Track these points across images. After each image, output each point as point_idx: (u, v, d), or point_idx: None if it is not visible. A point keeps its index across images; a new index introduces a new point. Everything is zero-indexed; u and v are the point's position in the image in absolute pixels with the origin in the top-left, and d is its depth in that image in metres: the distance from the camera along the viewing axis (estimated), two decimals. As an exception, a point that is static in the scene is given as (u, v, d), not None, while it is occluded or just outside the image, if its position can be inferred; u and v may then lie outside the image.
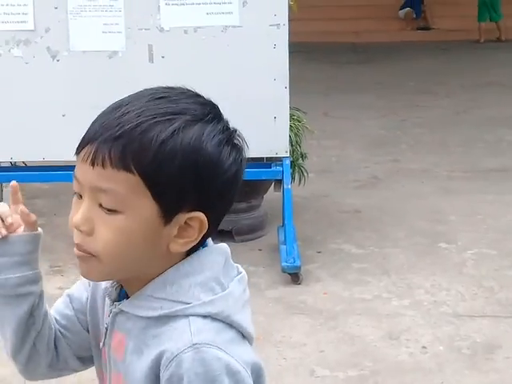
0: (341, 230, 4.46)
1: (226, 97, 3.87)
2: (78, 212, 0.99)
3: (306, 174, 4.43)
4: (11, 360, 1.14)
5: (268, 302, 3.58)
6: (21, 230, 1.08)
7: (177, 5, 3.78)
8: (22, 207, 1.07)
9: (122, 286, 1.06)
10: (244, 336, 1.05)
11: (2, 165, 4.20)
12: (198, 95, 1.05)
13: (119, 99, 1.02)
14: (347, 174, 5.57)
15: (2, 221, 1.06)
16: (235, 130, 1.05)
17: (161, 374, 0.97)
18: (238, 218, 4.29)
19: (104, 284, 1.09)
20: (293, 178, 4.19)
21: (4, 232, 1.05)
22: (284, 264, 3.75)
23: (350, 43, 12.00)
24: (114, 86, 3.79)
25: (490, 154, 6.01)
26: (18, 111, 3.80)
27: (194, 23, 3.78)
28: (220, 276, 1.03)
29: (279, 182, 3.99)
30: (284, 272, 3.76)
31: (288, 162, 3.94)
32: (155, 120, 0.96)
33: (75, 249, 1.01)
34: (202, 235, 1.00)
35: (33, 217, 1.08)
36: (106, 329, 1.07)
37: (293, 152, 4.20)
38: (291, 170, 4.08)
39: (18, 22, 3.77)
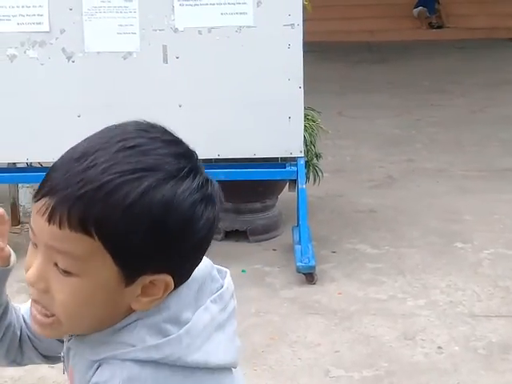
0: (356, 230, 4.45)
1: (241, 97, 3.90)
2: (33, 267, 0.91)
3: (320, 174, 4.42)
4: None
5: (283, 302, 3.58)
6: None
7: (191, 5, 3.79)
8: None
9: None
10: (213, 369, 0.96)
11: (18, 165, 4.23)
12: (174, 141, 0.95)
13: (85, 142, 0.92)
14: (362, 174, 5.56)
15: None
16: (210, 182, 0.95)
17: None
18: (253, 218, 4.30)
19: None
20: (307, 178, 4.18)
21: None
22: (299, 264, 3.75)
23: (365, 42, 11.97)
24: (128, 87, 3.81)
25: (506, 153, 5.97)
26: (34, 112, 3.83)
27: (209, 24, 3.79)
28: (181, 312, 0.95)
29: (294, 182, 3.99)
30: (299, 272, 3.76)
31: (303, 161, 3.94)
32: (122, 179, 0.86)
33: (32, 307, 0.95)
34: (167, 293, 0.93)
35: (7, 252, 1.04)
36: (63, 357, 1.04)
37: (307, 152, 4.20)
38: (306, 170, 4.08)
39: (34, 23, 3.79)
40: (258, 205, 4.31)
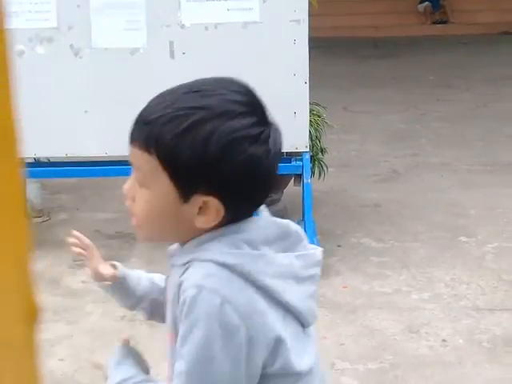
0: (360, 224, 4.48)
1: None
2: (126, 183, 1.18)
3: (325, 169, 4.45)
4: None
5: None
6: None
7: (197, 1, 3.82)
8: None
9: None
10: (281, 304, 1.12)
11: (26, 161, 4.27)
12: (239, 92, 1.14)
13: (173, 86, 1.15)
14: (367, 168, 5.59)
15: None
16: (269, 130, 1.13)
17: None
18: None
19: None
20: (312, 173, 4.21)
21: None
22: (304, 258, 3.78)
23: (370, 38, 11.98)
24: (135, 83, 3.84)
25: (510, 147, 5.99)
26: (41, 108, 3.86)
27: (215, 19, 3.81)
28: (259, 243, 1.14)
29: (299, 177, 4.02)
30: (304, 266, 3.79)
31: (308, 156, 3.97)
32: (179, 112, 1.09)
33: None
34: (220, 216, 1.11)
35: (111, 272, 1.39)
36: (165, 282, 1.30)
37: (312, 147, 4.23)
38: (311, 165, 4.10)
39: (41, 19, 3.82)
40: (264, 199, 4.34)
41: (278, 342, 1.10)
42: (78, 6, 3.80)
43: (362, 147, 6.19)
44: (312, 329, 1.21)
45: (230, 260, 1.10)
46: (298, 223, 4.59)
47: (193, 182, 1.10)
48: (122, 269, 1.39)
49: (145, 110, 1.13)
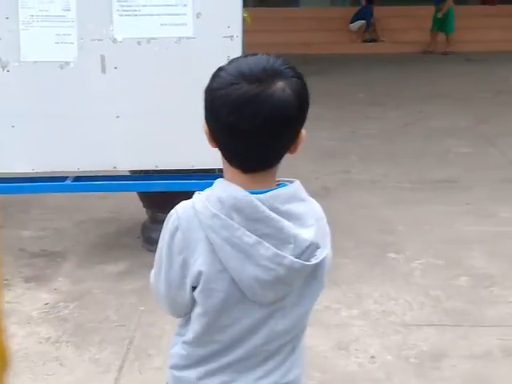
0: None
1: (179, 109, 3.90)
2: None
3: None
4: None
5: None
6: None
7: (130, 16, 3.78)
8: None
9: None
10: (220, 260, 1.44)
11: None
12: (267, 59, 1.41)
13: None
14: (298, 185, 5.62)
15: None
16: (269, 95, 1.35)
17: None
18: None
19: None
20: (245, 189, 4.21)
21: None
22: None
23: (302, 55, 12.12)
24: (65, 97, 3.77)
25: (438, 165, 6.15)
26: (-33, 120, 3.75)
27: (148, 34, 3.79)
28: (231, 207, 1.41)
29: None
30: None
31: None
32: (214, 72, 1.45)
33: None
34: (210, 139, 1.43)
35: None
36: None
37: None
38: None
39: (-32, 30, 3.72)
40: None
41: (200, 275, 1.41)
42: (7, 18, 3.71)
43: (293, 164, 6.20)
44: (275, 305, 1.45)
45: (198, 204, 1.40)
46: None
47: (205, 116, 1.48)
48: None
49: None
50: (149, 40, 3.79)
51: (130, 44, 3.78)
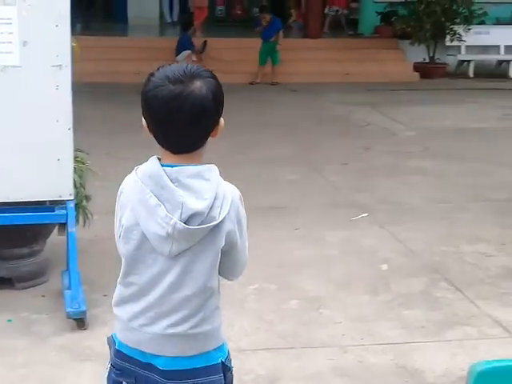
0: (127, 272, 4.45)
1: (7, 139, 3.76)
2: None
3: (90, 216, 4.38)
4: None
5: (52, 351, 3.48)
6: None
7: (-49, 42, 3.61)
8: None
9: None
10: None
11: None
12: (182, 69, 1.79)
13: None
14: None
15: None
16: (187, 92, 1.74)
17: None
18: (19, 265, 4.14)
19: None
20: (77, 221, 4.13)
21: None
22: (69, 310, 3.68)
23: (133, 84, 12.06)
24: None
25: (267, 192, 6.35)
26: None
27: (-29, 62, 3.64)
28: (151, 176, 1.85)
29: (63, 226, 3.92)
30: (69, 318, 3.69)
31: (72, 204, 3.89)
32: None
33: None
34: (159, 145, 1.84)
35: None
36: None
37: (77, 194, 4.15)
38: (75, 213, 4.02)
39: None
40: (25, 250, 4.15)
41: (123, 227, 1.85)
42: None
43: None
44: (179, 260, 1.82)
45: (131, 175, 1.87)
46: (63, 274, 4.43)
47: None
48: None
49: None
50: (-28, 68, 3.64)
51: (-48, 71, 3.60)
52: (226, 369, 1.95)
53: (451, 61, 14.62)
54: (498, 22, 15.88)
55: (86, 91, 9.92)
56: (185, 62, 11.92)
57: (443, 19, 13.87)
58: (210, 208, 1.79)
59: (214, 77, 1.79)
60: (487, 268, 4.73)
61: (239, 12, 18.47)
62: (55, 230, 4.13)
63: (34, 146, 3.75)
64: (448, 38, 14.18)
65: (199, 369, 1.88)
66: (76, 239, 3.87)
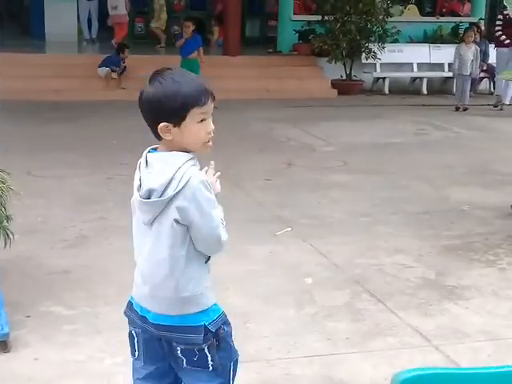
0: (50, 292, 4.39)
1: None
2: (211, 125, 2.36)
3: (11, 236, 4.30)
4: None
5: (-31, 375, 3.39)
6: None
7: None
8: None
9: None
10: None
11: None
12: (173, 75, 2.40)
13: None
14: (54, 234, 5.51)
15: None
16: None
17: None
18: None
19: None
20: (-2, 242, 4.04)
21: None
22: (-9, 332, 3.59)
23: (53, 102, 11.89)
24: None
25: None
26: None
27: None
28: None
29: (-16, 247, 3.83)
30: (-9, 340, 3.60)
31: (-7, 225, 3.81)
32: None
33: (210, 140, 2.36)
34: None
35: None
36: None
37: (-3, 214, 4.07)
38: (-4, 234, 3.94)
39: None
40: None
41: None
42: None
43: (48, 212, 6.09)
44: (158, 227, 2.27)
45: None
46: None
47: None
48: None
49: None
50: None
51: None
52: (208, 331, 2.26)
53: (367, 78, 15.03)
54: (411, 40, 16.46)
55: (4, 109, 9.75)
56: (105, 79, 11.70)
57: (358, 38, 14.25)
58: (166, 186, 2.16)
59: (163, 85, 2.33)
60: (407, 279, 4.88)
61: (159, 29, 18.42)
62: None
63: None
64: (363, 55, 14.58)
65: (179, 327, 2.25)
66: (-3, 260, 3.79)
